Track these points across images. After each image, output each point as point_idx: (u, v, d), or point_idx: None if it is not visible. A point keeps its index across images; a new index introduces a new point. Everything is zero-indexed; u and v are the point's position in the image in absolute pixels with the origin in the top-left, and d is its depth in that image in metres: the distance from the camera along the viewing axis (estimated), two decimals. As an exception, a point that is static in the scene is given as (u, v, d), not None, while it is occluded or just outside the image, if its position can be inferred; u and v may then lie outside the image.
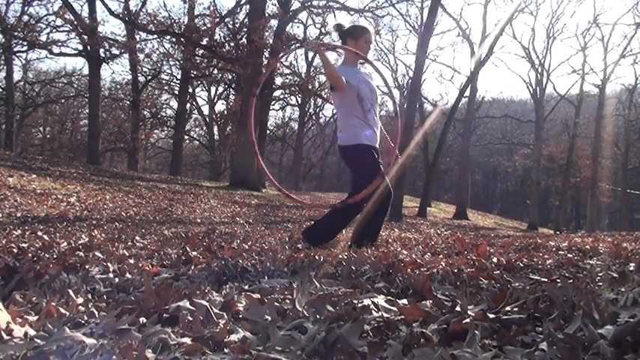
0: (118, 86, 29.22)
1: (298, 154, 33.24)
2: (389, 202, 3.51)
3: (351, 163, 3.52)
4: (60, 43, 19.80)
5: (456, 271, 1.82)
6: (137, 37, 21.26)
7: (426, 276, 1.59)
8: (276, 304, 1.32)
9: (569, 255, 2.62)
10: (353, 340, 1.00)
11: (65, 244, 3.05)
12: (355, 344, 1.00)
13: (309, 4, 20.62)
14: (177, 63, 24.59)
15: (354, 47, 3.48)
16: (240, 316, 1.31)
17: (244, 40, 18.34)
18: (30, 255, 2.28)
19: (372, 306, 1.22)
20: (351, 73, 3.44)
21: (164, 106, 31.75)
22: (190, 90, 28.63)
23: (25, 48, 20.94)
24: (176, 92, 28.69)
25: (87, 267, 2.11)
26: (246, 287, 1.72)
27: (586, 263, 2.15)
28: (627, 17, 65.99)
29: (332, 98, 3.47)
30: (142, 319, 1.23)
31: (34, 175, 11.36)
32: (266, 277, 1.96)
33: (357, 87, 3.40)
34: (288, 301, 1.38)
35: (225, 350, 1.05)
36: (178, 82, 27.51)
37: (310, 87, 22.33)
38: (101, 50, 19.45)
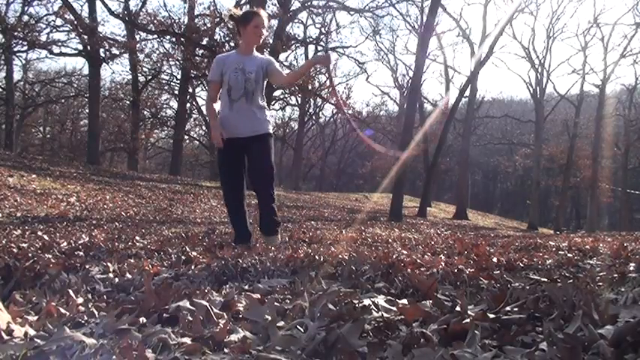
0: (118, 86, 29.19)
1: (298, 154, 33.23)
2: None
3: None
4: (60, 43, 19.82)
5: (456, 271, 1.82)
6: (137, 37, 21.28)
7: (432, 278, 1.58)
8: (276, 304, 1.32)
9: (569, 255, 2.62)
10: (353, 340, 1.00)
11: (65, 244, 3.05)
12: (355, 344, 1.00)
13: (309, 4, 20.64)
14: (177, 63, 24.57)
15: (243, 34, 3.42)
16: (240, 316, 1.31)
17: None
18: (30, 255, 2.28)
19: (372, 306, 1.22)
20: (229, 62, 3.42)
21: (164, 106, 31.77)
22: (190, 90, 28.63)
23: (25, 48, 20.90)
24: (176, 92, 28.68)
25: (87, 267, 2.12)
26: (246, 287, 1.72)
27: (586, 263, 2.15)
28: (627, 17, 65.88)
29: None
30: (142, 319, 1.23)
31: (34, 175, 11.35)
32: (266, 277, 1.96)
33: (228, 79, 3.41)
34: (288, 301, 1.38)
35: (225, 350, 1.05)
36: (178, 82, 27.50)
37: (310, 87, 22.31)
38: (101, 50, 19.44)
